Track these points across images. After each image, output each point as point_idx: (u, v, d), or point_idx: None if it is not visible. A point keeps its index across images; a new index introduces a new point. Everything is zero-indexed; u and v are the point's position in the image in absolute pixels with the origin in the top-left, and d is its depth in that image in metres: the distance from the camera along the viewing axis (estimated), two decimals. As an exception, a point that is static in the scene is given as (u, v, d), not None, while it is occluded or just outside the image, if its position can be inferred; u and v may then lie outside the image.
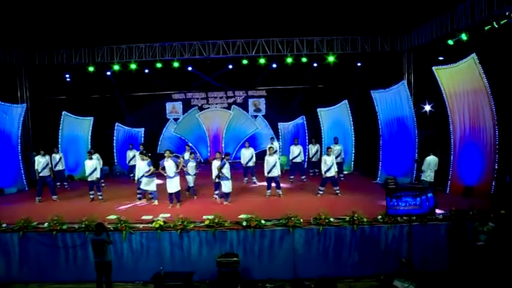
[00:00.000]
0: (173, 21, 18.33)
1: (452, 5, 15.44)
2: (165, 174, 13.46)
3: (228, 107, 23.91)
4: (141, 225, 11.14)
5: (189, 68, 20.93)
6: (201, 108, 23.97)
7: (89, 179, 14.43)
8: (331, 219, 10.87)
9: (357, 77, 20.78)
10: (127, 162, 18.31)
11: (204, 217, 11.45)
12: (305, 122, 20.57)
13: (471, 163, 13.47)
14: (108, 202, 14.28)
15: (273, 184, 14.47)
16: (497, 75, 13.11)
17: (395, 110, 16.13)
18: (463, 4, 14.78)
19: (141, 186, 13.74)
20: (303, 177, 17.03)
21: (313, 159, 18.29)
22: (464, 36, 14.51)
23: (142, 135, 21.27)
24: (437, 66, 14.09)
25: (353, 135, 18.76)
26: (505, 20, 12.68)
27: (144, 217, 11.90)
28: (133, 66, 19.53)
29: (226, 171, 13.42)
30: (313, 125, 20.82)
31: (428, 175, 12.69)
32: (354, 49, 19.56)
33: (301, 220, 10.86)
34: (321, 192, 14.45)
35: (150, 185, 13.69)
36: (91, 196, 14.60)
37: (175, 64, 19.76)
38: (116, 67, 19.62)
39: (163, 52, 19.61)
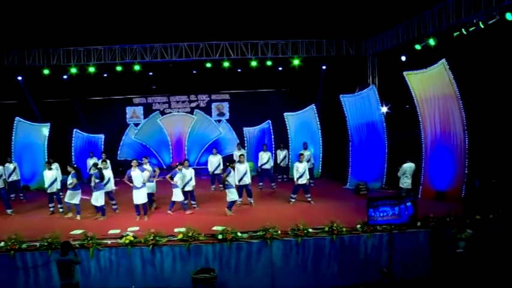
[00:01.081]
0: (133, 23, 17.58)
1: (418, 11, 15.58)
2: (132, 185, 12.73)
3: (191, 112, 23.23)
4: (109, 241, 10.42)
5: (150, 73, 20.23)
6: (162, 113, 23.13)
7: (49, 190, 13.49)
8: (310, 230, 10.56)
9: (322, 81, 20.57)
10: (87, 170, 17.31)
11: (176, 230, 10.97)
12: (271, 127, 20.19)
13: (442, 168, 13.56)
14: (70, 215, 13.31)
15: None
16: (467, 81, 13.25)
17: (364, 115, 16.07)
18: (429, 10, 14.89)
19: (65, 200, 12.93)
20: (273, 184, 16.67)
21: (282, 165, 18.01)
22: (432, 42, 14.52)
23: (103, 142, 20.20)
24: (408, 71, 14.10)
25: (321, 140, 18.53)
26: (473, 28, 12.81)
27: (111, 231, 11.20)
28: (91, 69, 18.69)
29: (231, 179, 12.94)
30: (280, 129, 20.51)
31: (404, 182, 12.63)
32: (318, 52, 19.42)
33: (279, 232, 10.47)
34: (293, 200, 14.15)
35: (74, 198, 12.83)
36: (51, 209, 13.66)
37: (136, 67, 18.97)
38: (73, 70, 18.65)
39: (124, 55, 18.81)
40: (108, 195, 13.38)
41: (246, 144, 21.59)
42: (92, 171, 17.16)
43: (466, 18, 13.12)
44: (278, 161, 17.86)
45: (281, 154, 17.88)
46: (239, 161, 13.86)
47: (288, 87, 22.17)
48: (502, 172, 12.98)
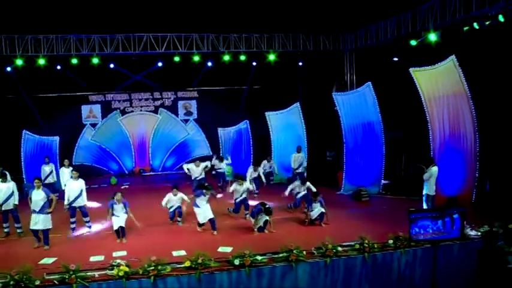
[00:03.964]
0: (91, 9, 15.80)
1: (414, 4, 14.74)
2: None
3: (155, 111, 21.26)
4: (96, 273, 8.32)
5: (111, 65, 18.01)
6: (123, 112, 20.95)
7: (4, 207, 10.98)
8: (339, 249, 9.10)
9: (301, 77, 19.58)
10: (43, 180, 14.84)
11: (175, 254, 9.19)
12: (249, 127, 18.60)
13: (452, 171, 12.58)
14: (30, 237, 10.69)
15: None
16: (477, 79, 12.39)
17: (360, 115, 14.89)
18: (428, 4, 14.06)
19: (38, 227, 9.98)
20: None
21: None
22: (433, 37, 13.70)
23: (57, 144, 17.61)
24: (415, 68, 13.03)
25: (306, 142, 17.20)
26: (489, 22, 12.02)
27: (93, 259, 9.09)
28: (41, 61, 16.43)
29: (200, 201, 10.94)
30: (259, 130, 19.03)
31: (431, 188, 11.42)
32: (294, 47, 18.50)
33: (304, 252, 8.93)
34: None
35: (49, 222, 10.15)
36: (5, 230, 11.17)
37: (95, 60, 17.01)
38: (19, 62, 16.32)
39: (79, 46, 16.75)
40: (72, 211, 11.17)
41: (220, 147, 19.87)
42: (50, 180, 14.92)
43: (478, 11, 12.35)
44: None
45: (267, 166, 16.19)
46: (238, 183, 12.08)
47: (263, 84, 20.93)
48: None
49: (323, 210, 11.15)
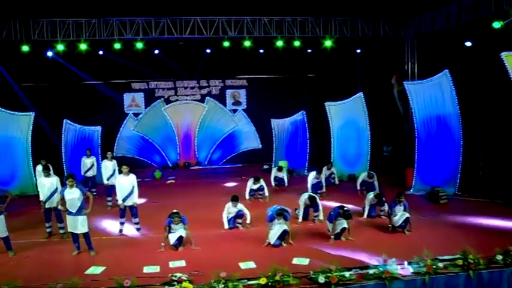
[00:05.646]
0: None
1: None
2: None
3: (201, 100, 20.11)
4: (157, 290, 7.07)
5: (156, 51, 17.20)
6: (167, 101, 19.87)
7: (47, 205, 9.88)
8: (439, 264, 7.58)
9: (359, 65, 18.12)
10: (82, 172, 13.89)
11: (243, 266, 7.89)
12: (305, 119, 17.19)
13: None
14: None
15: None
16: None
17: (435, 107, 13.23)
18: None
19: (78, 229, 8.72)
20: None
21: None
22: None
23: (99, 135, 16.65)
24: (507, 53, 11.25)
25: (369, 136, 15.70)
26: None
27: (146, 269, 7.86)
28: (83, 46, 15.50)
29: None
30: (316, 122, 17.67)
31: None
32: (352, 33, 17.00)
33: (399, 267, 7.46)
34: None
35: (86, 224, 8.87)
36: (48, 230, 10.06)
37: (139, 45, 15.94)
38: (60, 47, 15.44)
39: (122, 29, 15.78)
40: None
41: (274, 139, 18.54)
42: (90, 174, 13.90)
43: None
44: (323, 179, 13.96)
45: (327, 173, 14.72)
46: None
47: (318, 72, 19.68)
48: None
49: (407, 215, 9.61)
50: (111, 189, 12.26)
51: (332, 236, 9.23)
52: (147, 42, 16.09)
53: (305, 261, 8.03)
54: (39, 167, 12.17)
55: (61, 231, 9.99)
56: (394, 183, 14.54)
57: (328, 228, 9.33)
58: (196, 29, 16.04)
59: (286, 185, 14.52)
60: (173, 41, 16.58)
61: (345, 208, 9.23)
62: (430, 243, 8.53)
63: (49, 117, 16.96)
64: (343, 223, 9.15)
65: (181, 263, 8.12)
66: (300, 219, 10.63)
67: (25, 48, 15.26)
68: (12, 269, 7.93)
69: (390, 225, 9.74)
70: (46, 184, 9.86)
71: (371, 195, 10.90)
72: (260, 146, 19.53)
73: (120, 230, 10.13)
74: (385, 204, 10.63)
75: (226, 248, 9.10)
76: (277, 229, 8.92)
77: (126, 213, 10.03)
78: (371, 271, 7.41)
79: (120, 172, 10.37)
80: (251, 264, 7.96)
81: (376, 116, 16.38)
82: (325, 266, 7.37)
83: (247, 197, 12.65)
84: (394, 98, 17.65)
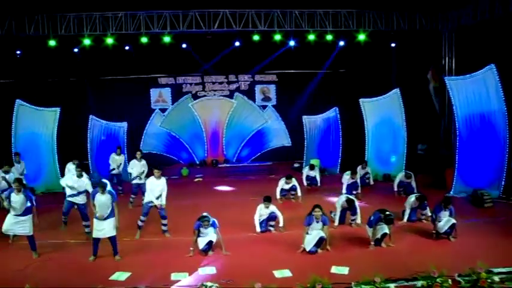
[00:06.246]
0: None
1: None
2: None
3: (230, 95, 19.72)
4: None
5: (183, 45, 17.16)
6: (195, 96, 19.52)
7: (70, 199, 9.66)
8: (495, 278, 6.86)
9: (394, 60, 17.61)
10: (110, 169, 13.59)
11: (278, 275, 7.27)
12: (338, 116, 16.61)
13: None
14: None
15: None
16: None
17: (479, 104, 12.39)
18: None
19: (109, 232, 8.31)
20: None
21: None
22: None
23: (125, 131, 16.44)
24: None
25: (405, 134, 15.00)
26: None
27: (174, 276, 7.30)
28: (109, 40, 15.60)
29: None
30: (349, 119, 17.12)
31: None
32: (387, 26, 16.53)
33: (450, 282, 6.77)
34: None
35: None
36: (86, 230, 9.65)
37: (166, 39, 15.93)
38: (87, 42, 15.50)
39: (149, 23, 15.71)
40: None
41: (305, 137, 18.03)
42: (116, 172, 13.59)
43: None
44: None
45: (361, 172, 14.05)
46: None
47: (351, 67, 19.10)
48: None
49: (454, 221, 8.87)
50: (137, 188, 11.93)
51: (372, 242, 8.57)
52: (174, 36, 16.04)
53: (344, 270, 7.39)
54: (71, 165, 12.04)
55: (86, 229, 9.61)
56: (430, 184, 13.89)
57: (368, 234, 8.68)
58: (225, 22, 15.92)
59: (318, 184, 13.97)
60: (201, 35, 16.44)
61: (387, 212, 8.54)
62: (479, 253, 7.79)
63: (75, 113, 16.74)
64: (384, 228, 8.47)
65: (212, 270, 7.57)
66: (337, 223, 10.00)
67: (52, 43, 15.44)
68: (35, 272, 7.55)
69: (434, 231, 9.01)
70: (80, 185, 9.66)
71: (412, 198, 10.17)
72: (290, 143, 19.02)
73: (139, 226, 9.62)
74: (427, 207, 9.94)
75: (258, 253, 8.51)
76: (314, 235, 8.32)
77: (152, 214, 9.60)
78: (419, 284, 6.76)
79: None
80: (286, 273, 7.34)
81: (411, 113, 15.69)
82: (367, 276, 6.76)
83: (278, 197, 12.08)
84: (430, 95, 17.08)
